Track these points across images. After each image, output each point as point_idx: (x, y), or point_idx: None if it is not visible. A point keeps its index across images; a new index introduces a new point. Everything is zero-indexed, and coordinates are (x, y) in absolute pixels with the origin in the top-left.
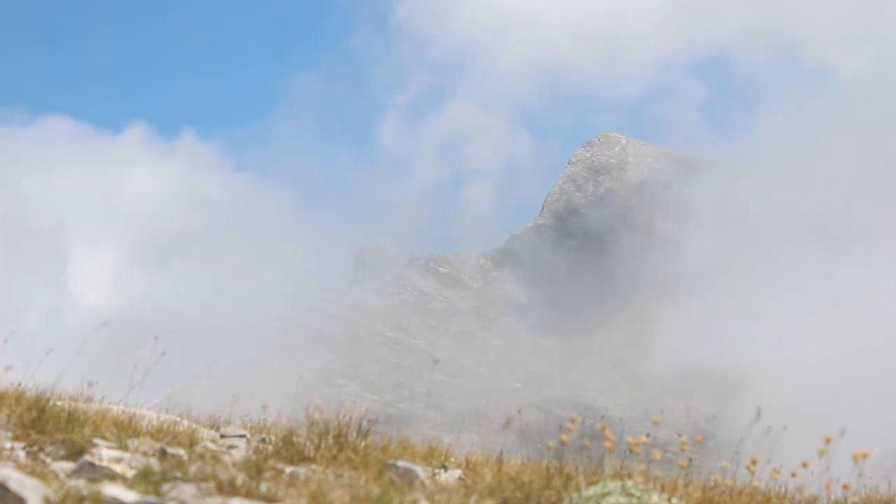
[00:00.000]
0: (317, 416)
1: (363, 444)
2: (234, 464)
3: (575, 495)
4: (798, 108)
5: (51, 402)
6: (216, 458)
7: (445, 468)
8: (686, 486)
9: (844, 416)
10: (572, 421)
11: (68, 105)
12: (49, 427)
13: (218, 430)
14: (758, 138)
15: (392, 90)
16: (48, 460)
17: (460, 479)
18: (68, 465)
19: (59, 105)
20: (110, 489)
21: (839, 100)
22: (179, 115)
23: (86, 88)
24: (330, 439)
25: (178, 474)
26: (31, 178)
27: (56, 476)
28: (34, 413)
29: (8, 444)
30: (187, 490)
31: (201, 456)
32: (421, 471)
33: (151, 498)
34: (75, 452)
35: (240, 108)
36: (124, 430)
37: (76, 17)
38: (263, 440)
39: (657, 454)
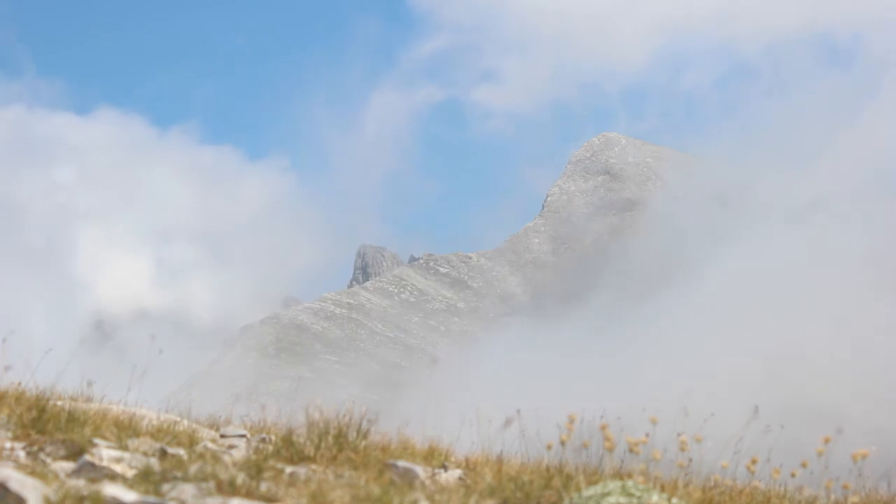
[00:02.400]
0: (317, 416)
1: (363, 444)
2: (234, 464)
3: (575, 495)
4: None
5: (51, 402)
6: (216, 458)
7: (445, 468)
8: (686, 486)
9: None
10: (572, 421)
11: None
12: (49, 427)
13: (218, 430)
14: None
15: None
16: (48, 460)
17: (460, 479)
18: (68, 465)
19: (93, 100)
20: (110, 489)
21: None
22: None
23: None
24: (330, 439)
25: (178, 474)
26: (55, 172)
27: (56, 476)
28: (34, 413)
29: (8, 444)
30: (187, 490)
31: (201, 456)
32: (421, 471)
33: (151, 498)
34: (75, 452)
35: (255, 109)
36: (124, 430)
37: (140, 12)
38: (263, 440)
39: (657, 454)
